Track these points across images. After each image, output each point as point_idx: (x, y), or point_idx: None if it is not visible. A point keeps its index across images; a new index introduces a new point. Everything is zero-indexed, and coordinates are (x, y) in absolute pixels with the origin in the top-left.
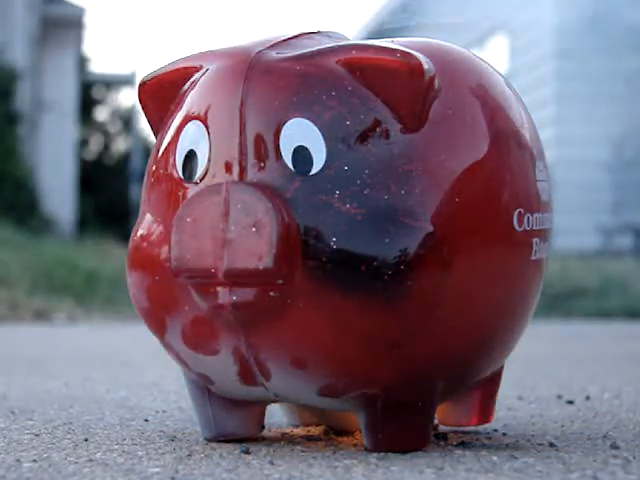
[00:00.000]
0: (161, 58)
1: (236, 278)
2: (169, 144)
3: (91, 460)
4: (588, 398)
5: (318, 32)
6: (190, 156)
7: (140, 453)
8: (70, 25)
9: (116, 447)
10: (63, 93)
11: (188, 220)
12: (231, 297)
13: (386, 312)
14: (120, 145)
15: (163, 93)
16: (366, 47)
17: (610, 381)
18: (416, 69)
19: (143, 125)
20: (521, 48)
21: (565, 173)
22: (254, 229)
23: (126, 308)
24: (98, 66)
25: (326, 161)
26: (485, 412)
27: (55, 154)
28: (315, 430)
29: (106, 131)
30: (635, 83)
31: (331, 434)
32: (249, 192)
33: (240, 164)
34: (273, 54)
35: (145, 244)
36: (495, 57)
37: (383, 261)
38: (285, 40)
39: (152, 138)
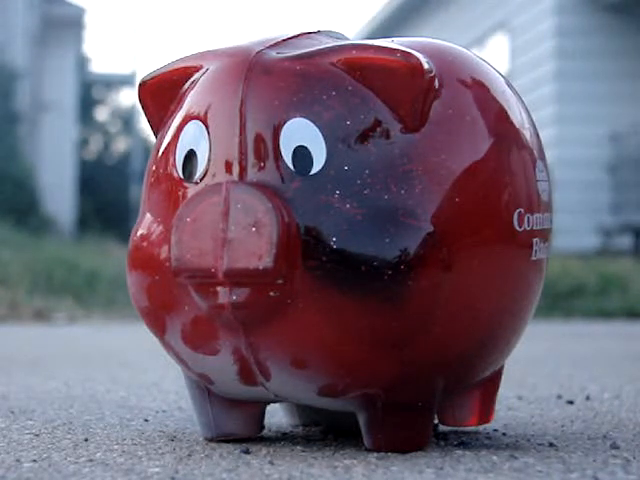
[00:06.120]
0: (161, 58)
1: (236, 278)
2: (169, 144)
3: (91, 460)
4: (588, 398)
5: (318, 32)
6: (190, 156)
7: (140, 453)
8: (70, 25)
9: (116, 447)
10: (63, 93)
11: (188, 220)
12: (231, 297)
13: (386, 312)
14: (120, 145)
15: (163, 93)
16: (366, 47)
17: (610, 381)
18: (416, 69)
19: (143, 125)
20: (521, 48)
21: (565, 173)
22: (254, 229)
23: (126, 308)
24: (98, 66)
25: (326, 161)
26: (485, 412)
27: (55, 154)
28: (315, 430)
29: (106, 131)
30: (635, 82)
31: (331, 434)
32: (249, 192)
33: (240, 164)
34: (273, 54)
35: (145, 244)
36: (495, 57)
37: (383, 261)
38: (285, 40)
39: (152, 138)
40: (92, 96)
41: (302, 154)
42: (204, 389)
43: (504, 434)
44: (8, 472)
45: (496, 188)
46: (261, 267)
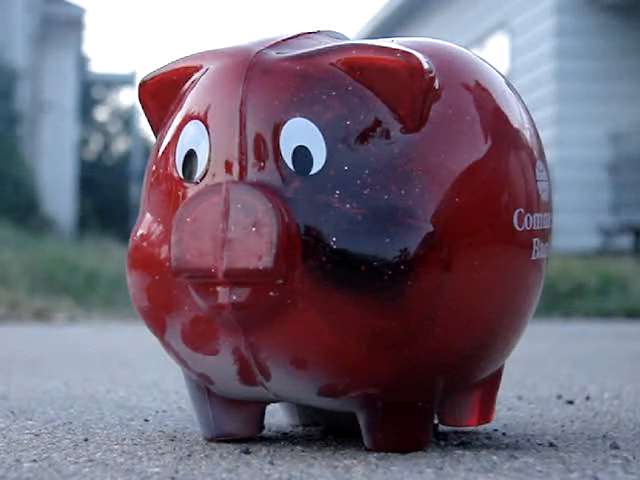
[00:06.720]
0: (161, 58)
1: (236, 278)
2: (169, 144)
3: (91, 460)
4: (588, 398)
5: (318, 32)
6: (190, 156)
7: (140, 453)
8: (70, 25)
9: (116, 447)
10: (63, 93)
11: (188, 220)
12: (231, 297)
13: (386, 312)
14: (120, 145)
15: (163, 93)
16: (366, 47)
17: (610, 381)
18: (416, 69)
19: (143, 125)
20: (521, 48)
21: (565, 173)
22: (254, 229)
23: (126, 308)
24: (98, 66)
25: (326, 161)
26: (485, 412)
27: (55, 154)
28: (315, 430)
29: (106, 131)
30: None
31: (331, 434)
32: (249, 192)
33: (240, 164)
34: (273, 54)
35: (145, 244)
36: (495, 57)
37: (383, 261)
38: (285, 40)
39: (152, 138)
40: (92, 96)
41: (302, 154)
42: (204, 389)
43: (504, 434)
44: (8, 472)
45: (496, 188)
46: (261, 267)
